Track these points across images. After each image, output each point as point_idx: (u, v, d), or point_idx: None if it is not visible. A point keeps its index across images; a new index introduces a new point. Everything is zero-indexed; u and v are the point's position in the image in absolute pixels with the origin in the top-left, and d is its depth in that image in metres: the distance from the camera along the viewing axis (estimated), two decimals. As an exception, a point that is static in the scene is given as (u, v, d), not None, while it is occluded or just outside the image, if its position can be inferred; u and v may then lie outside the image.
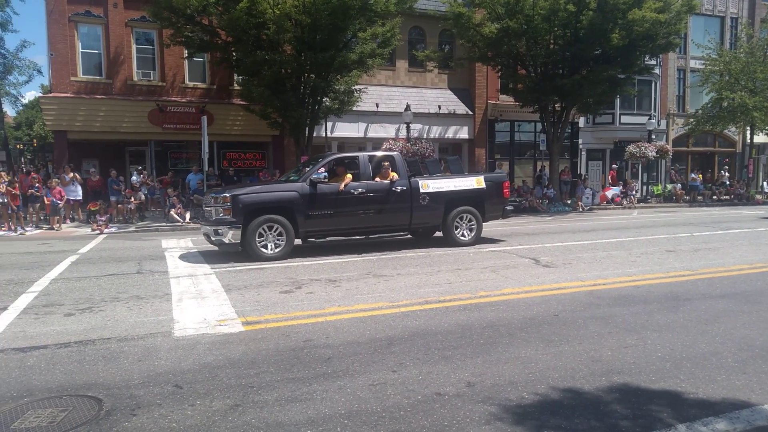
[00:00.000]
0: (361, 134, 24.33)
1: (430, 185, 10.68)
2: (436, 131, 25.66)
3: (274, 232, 9.43)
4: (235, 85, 22.01)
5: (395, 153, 11.21)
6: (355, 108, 21.69)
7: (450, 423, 3.22)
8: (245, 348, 4.68)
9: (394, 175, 10.42)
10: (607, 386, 3.74)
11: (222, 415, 3.37)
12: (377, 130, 24.30)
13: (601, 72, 20.57)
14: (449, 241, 10.84)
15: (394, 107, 24.11)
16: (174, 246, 11.99)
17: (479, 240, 11.20)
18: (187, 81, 22.08)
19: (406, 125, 22.27)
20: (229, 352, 4.56)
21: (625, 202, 24.30)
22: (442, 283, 7.33)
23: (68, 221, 17.76)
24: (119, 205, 18.00)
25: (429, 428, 3.17)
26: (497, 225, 16.18)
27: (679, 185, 28.14)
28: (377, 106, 24.12)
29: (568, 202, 23.88)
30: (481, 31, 21.28)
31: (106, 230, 15.71)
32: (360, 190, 10.07)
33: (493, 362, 4.24)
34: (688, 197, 27.33)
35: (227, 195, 9.41)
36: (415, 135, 23.31)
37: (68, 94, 20.32)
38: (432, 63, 24.95)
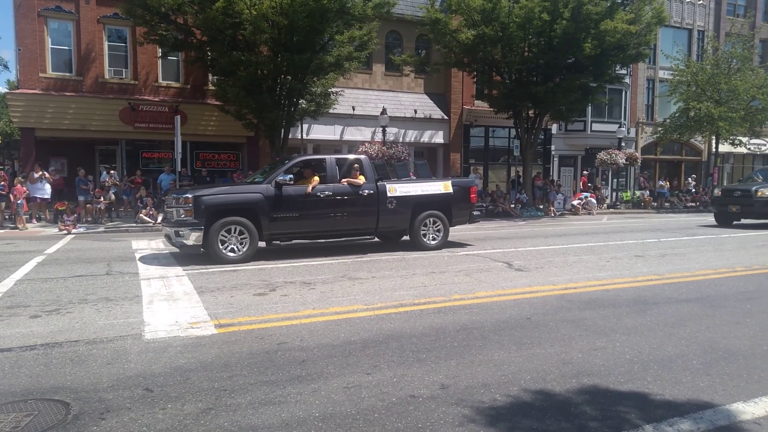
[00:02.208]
0: (337, 137, 24.32)
1: (397, 189, 10.71)
2: (411, 135, 25.81)
3: (237, 234, 9.31)
4: (210, 85, 21.75)
5: (363, 156, 11.19)
6: (331, 110, 21.69)
7: (424, 425, 3.24)
8: (218, 351, 4.63)
9: (361, 179, 10.41)
10: (577, 388, 3.82)
11: (194, 419, 3.33)
12: (353, 133, 24.33)
13: (573, 80, 20.98)
14: (416, 245, 10.88)
15: (371, 110, 24.17)
16: (145, 247, 11.78)
17: (446, 244, 11.27)
18: (160, 80, 21.76)
19: (382, 129, 22.34)
20: (202, 355, 4.51)
21: (593, 210, 24.79)
22: (416, 286, 7.37)
23: (35, 221, 17.29)
24: (88, 205, 17.60)
25: (403, 430, 3.18)
26: (471, 229, 16.34)
27: (647, 192, 28.85)
28: (353, 109, 24.14)
29: (541, 207, 24.26)
30: (458, 37, 21.52)
31: (73, 230, 15.34)
32: (327, 193, 10.03)
33: (466, 365, 4.28)
34: (655, 204, 28.04)
35: (189, 196, 9.26)
36: (391, 139, 23.39)
37: (36, 91, 19.82)
38: (408, 67, 25.11)
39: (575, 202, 25.08)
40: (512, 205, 23.28)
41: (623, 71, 27.13)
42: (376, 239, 11.71)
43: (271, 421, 3.30)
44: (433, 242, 11.02)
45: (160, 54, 20.33)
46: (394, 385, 3.86)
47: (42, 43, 19.97)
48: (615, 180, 31.02)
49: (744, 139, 29.28)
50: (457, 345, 4.77)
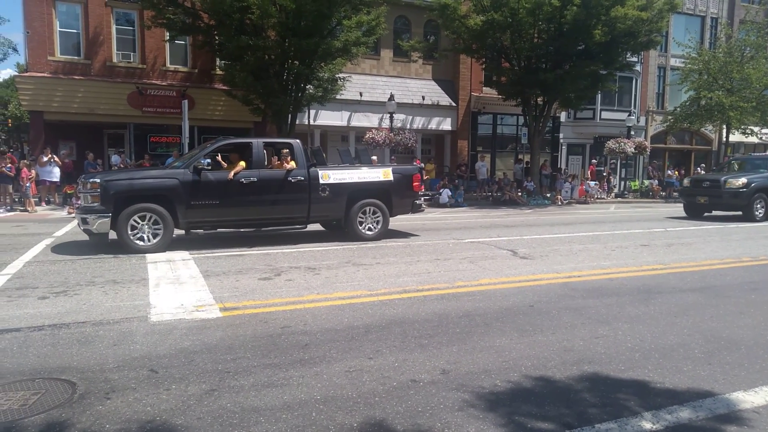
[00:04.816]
0: (344, 123, 24.28)
1: (331, 176, 10.15)
2: (419, 122, 25.71)
3: (150, 222, 8.77)
4: (218, 69, 21.75)
5: (295, 141, 10.49)
6: (338, 96, 21.64)
7: (424, 409, 3.28)
8: (222, 334, 4.68)
9: (292, 164, 9.92)
10: (577, 375, 3.84)
11: (197, 400, 3.38)
12: (360, 119, 24.27)
13: (583, 67, 20.77)
14: (351, 235, 10.33)
15: (378, 96, 24.07)
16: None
17: (385, 235, 10.70)
18: (168, 64, 21.75)
19: (389, 115, 22.26)
20: (206, 338, 4.56)
21: (594, 196, 24.72)
22: (420, 272, 7.39)
23: (44, 204, 17.44)
24: (96, 189, 17.67)
25: (403, 414, 3.22)
26: (478, 216, 16.37)
27: (656, 181, 28.63)
28: (361, 95, 24.06)
29: (548, 195, 24.16)
30: (467, 22, 21.32)
31: (82, 214, 15.44)
32: (251, 179, 9.47)
33: (468, 351, 4.30)
34: (664, 193, 27.85)
35: (96, 180, 8.73)
36: (399, 125, 23.31)
37: (45, 74, 19.88)
38: (417, 53, 24.95)
39: (586, 188, 24.97)
40: (519, 193, 23.20)
41: (634, 59, 26.81)
42: (322, 228, 11.41)
43: (274, 402, 3.35)
44: (370, 233, 10.42)
45: (168, 38, 20.29)
46: (395, 370, 3.89)
47: (50, 26, 19.98)
48: (623, 169, 30.81)
49: (755, 129, 28.94)
50: (459, 331, 4.79)
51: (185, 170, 9.16)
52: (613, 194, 27.53)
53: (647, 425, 3.11)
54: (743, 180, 15.34)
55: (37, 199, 16.99)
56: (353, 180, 10.41)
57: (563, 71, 20.93)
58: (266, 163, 10.07)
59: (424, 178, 22.36)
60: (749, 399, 3.47)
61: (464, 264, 8.05)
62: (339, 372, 3.84)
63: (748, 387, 3.66)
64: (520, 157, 27.36)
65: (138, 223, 8.75)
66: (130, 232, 8.70)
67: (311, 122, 22.67)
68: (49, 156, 17.35)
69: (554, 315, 5.33)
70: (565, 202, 23.56)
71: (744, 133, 28.78)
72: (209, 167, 9.27)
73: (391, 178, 10.70)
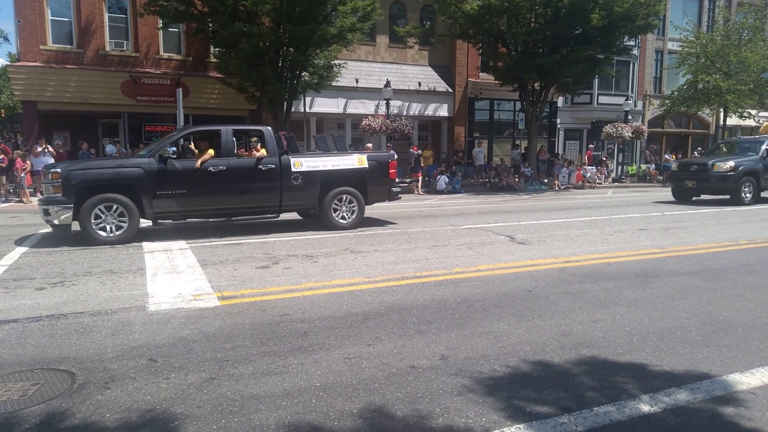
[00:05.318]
0: (340, 110, 24.13)
1: (303, 163, 9.92)
2: (416, 108, 25.57)
3: (115, 212, 8.56)
4: (212, 57, 21.53)
5: (265, 128, 10.23)
6: (334, 83, 21.47)
7: (423, 394, 3.29)
8: (221, 322, 4.68)
9: (262, 152, 9.71)
10: (576, 359, 3.85)
11: (197, 388, 3.39)
12: (357, 106, 24.12)
13: (580, 52, 20.64)
14: (326, 224, 10.13)
15: (374, 83, 23.91)
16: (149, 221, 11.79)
17: (361, 223, 10.48)
18: (161, 52, 21.53)
19: (385, 102, 22.14)
20: (205, 327, 4.56)
21: (594, 183, 24.71)
22: (418, 259, 7.39)
23: (39, 194, 17.34)
24: (92, 179, 17.60)
25: (403, 400, 3.23)
26: (475, 203, 16.36)
27: (653, 165, 28.60)
28: (357, 82, 23.89)
29: (545, 181, 24.15)
30: (463, 7, 21.11)
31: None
32: (220, 167, 9.22)
33: (466, 336, 4.31)
34: (661, 177, 27.86)
35: (57, 170, 8.48)
36: (395, 112, 23.20)
37: (37, 63, 19.67)
38: (413, 39, 24.74)
39: (584, 173, 24.94)
40: (516, 179, 23.19)
41: (631, 42, 26.65)
42: (301, 218, 11.33)
43: (273, 390, 3.36)
44: (345, 221, 10.23)
45: (161, 25, 20.07)
46: (394, 356, 3.90)
47: (42, 14, 19.72)
48: (620, 154, 30.76)
49: (753, 112, 28.89)
50: (457, 317, 4.80)
51: (150, 159, 8.94)
52: (610, 179, 27.54)
53: (645, 408, 3.12)
54: (731, 163, 15.28)
55: (32, 190, 16.90)
56: (327, 168, 10.15)
57: (560, 56, 20.80)
58: (236, 150, 9.94)
59: (422, 165, 22.49)
60: (746, 380, 3.50)
61: (462, 250, 8.05)
62: (338, 359, 3.85)
63: (745, 369, 3.68)
64: (518, 142, 27.39)
65: (102, 214, 8.54)
66: (93, 224, 8.48)
67: (307, 110, 22.54)
68: (44, 146, 17.23)
69: (552, 300, 5.35)
70: (562, 187, 23.56)
71: (741, 117, 28.72)
72: (175, 155, 9.07)
73: (366, 165, 10.44)
